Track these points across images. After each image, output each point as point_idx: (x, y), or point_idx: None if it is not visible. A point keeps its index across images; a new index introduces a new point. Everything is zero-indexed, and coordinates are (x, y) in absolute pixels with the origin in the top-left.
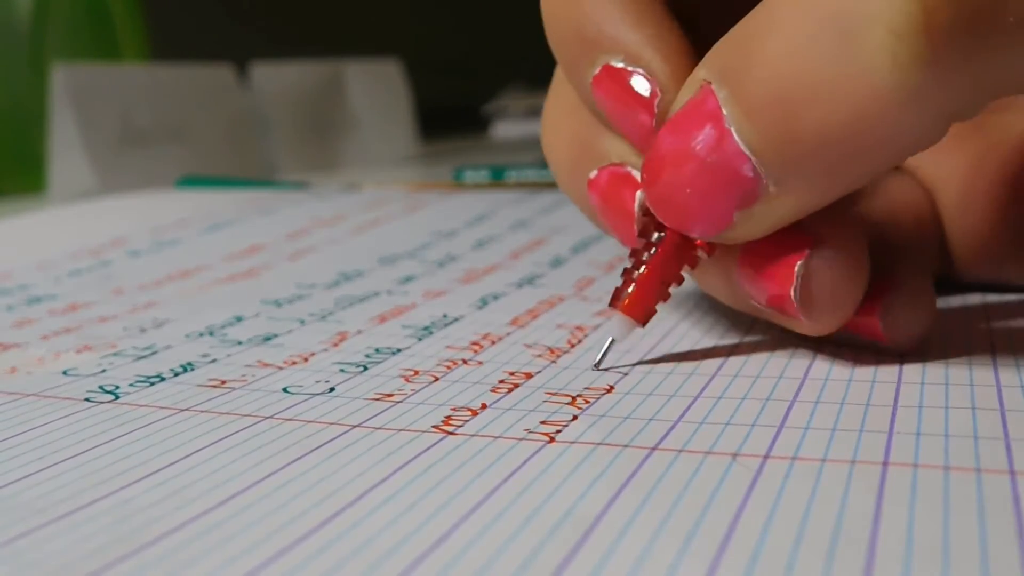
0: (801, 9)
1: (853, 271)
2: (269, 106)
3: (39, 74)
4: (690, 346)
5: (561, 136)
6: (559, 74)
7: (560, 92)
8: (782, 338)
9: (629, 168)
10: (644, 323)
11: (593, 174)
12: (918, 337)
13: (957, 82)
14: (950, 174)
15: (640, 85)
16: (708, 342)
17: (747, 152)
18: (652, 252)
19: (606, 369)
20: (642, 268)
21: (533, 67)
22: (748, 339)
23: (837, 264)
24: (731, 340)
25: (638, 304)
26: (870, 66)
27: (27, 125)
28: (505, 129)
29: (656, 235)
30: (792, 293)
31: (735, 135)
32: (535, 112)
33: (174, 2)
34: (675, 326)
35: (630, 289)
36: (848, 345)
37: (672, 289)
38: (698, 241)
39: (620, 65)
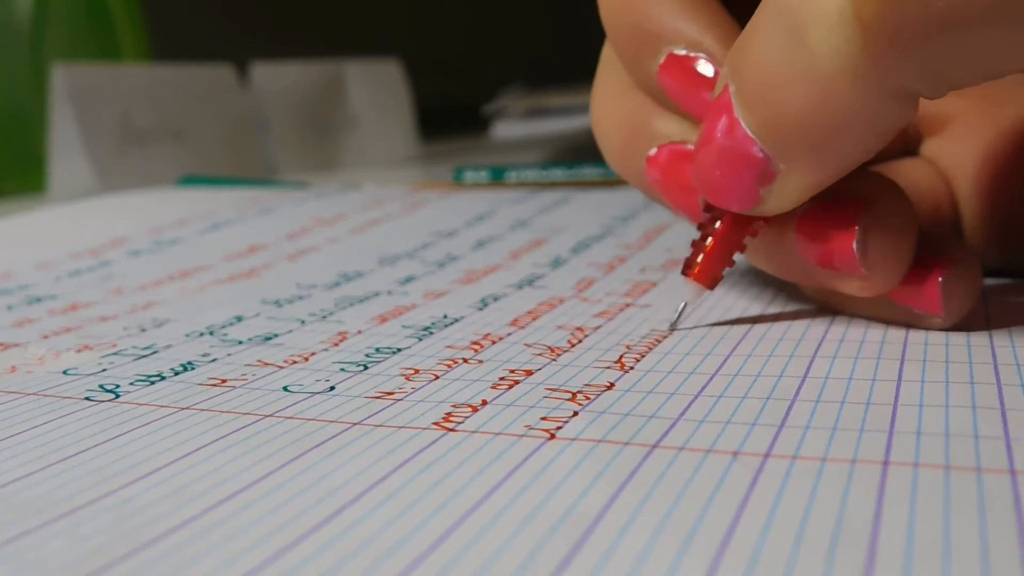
0: (768, 11)
1: (905, 229)
2: (269, 106)
3: (39, 74)
4: (692, 345)
5: (612, 117)
6: (605, 60)
7: (607, 76)
8: (783, 336)
9: (690, 146)
10: (712, 287)
11: (652, 151)
12: (967, 310)
13: (898, 64)
14: (964, 162)
15: (704, 68)
16: (709, 343)
17: (753, 137)
18: (717, 225)
19: (678, 329)
20: (709, 240)
21: (533, 67)
22: (749, 336)
23: (892, 222)
24: (732, 340)
25: (706, 272)
26: (816, 55)
27: (27, 125)
28: (505, 129)
29: (719, 209)
30: (855, 247)
31: (742, 123)
32: (535, 112)
33: (174, 2)
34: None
35: (699, 259)
36: (882, 319)
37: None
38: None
39: (683, 52)
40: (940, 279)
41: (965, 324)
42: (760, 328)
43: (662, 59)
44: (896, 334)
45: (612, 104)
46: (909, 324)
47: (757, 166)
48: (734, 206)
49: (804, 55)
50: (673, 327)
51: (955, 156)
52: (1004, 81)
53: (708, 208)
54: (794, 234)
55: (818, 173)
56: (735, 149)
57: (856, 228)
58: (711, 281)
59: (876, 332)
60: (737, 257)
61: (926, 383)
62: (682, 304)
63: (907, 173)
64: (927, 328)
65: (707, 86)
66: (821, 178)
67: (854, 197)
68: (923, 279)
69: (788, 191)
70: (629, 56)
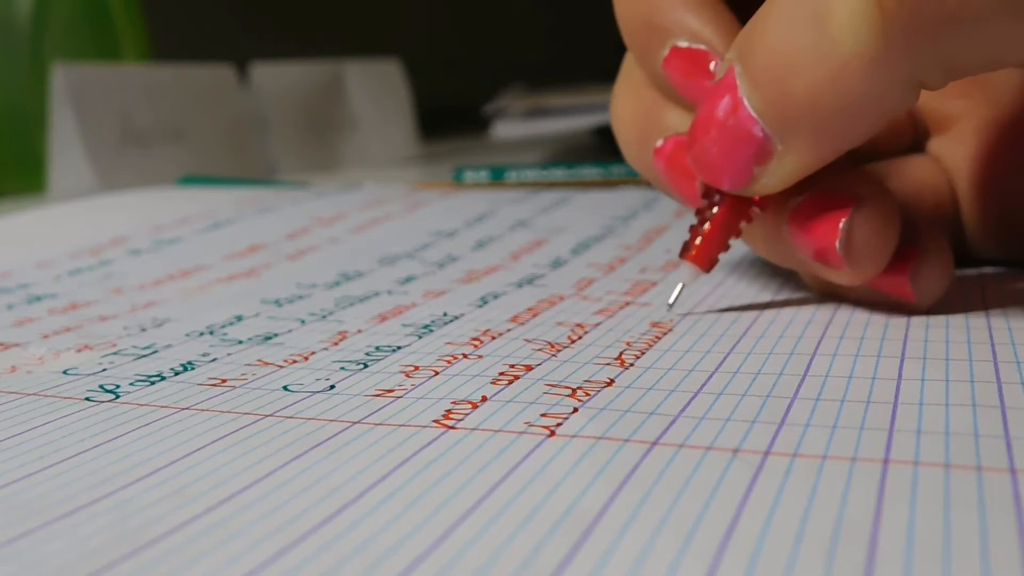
0: None
1: (888, 227)
2: (269, 106)
3: (39, 74)
4: (693, 342)
5: (627, 113)
6: (627, 64)
7: (627, 77)
8: (783, 334)
9: None
10: (708, 270)
11: (659, 143)
12: (938, 296)
13: (912, 52)
14: (965, 162)
15: (703, 58)
16: (710, 340)
17: (755, 116)
18: (714, 210)
19: (681, 315)
20: (706, 224)
21: (533, 67)
22: (749, 334)
23: (874, 221)
24: (732, 337)
25: (703, 254)
26: (837, 40)
27: (27, 125)
28: (505, 129)
29: (717, 196)
30: (837, 245)
31: (746, 102)
32: (535, 112)
33: (174, 2)
34: (683, 317)
35: (697, 241)
36: (870, 302)
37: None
38: (755, 198)
39: (685, 45)
40: (910, 269)
41: (965, 325)
42: (760, 326)
43: (666, 51)
44: (896, 332)
45: (628, 101)
46: (892, 306)
47: (755, 144)
48: (726, 184)
49: (823, 38)
50: (670, 307)
51: (957, 155)
52: (1009, 87)
53: (706, 194)
54: (787, 225)
55: (814, 153)
56: (736, 128)
57: (839, 227)
58: (708, 263)
59: (876, 330)
60: (735, 254)
61: (926, 381)
62: (679, 285)
63: (913, 169)
64: (908, 311)
65: (708, 75)
66: (815, 158)
67: (844, 194)
68: (896, 270)
69: (781, 171)
70: (639, 49)
